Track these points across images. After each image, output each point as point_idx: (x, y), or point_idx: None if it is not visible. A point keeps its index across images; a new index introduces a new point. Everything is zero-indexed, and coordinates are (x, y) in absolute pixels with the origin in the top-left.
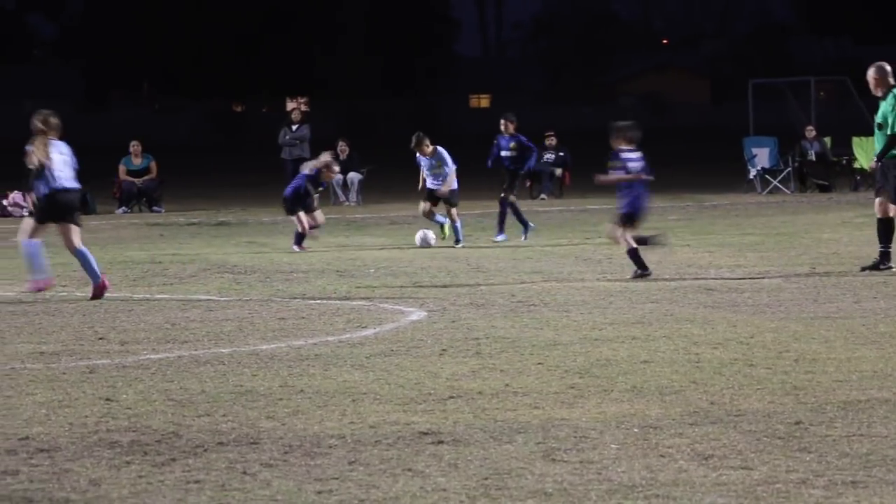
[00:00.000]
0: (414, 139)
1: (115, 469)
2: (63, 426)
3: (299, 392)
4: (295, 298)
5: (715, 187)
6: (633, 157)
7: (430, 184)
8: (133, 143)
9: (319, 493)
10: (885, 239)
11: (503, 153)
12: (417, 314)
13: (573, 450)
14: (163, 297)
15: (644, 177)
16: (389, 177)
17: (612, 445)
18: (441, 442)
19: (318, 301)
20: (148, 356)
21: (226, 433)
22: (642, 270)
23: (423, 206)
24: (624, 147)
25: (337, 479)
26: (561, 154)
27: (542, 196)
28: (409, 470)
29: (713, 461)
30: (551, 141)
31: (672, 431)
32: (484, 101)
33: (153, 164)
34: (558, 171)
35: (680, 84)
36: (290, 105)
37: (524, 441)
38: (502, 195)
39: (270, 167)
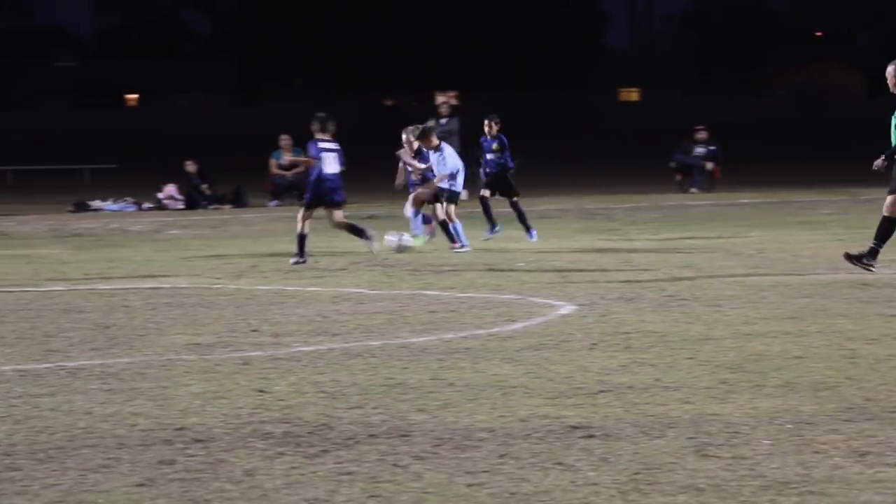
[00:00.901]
0: (420, 131)
1: (268, 460)
2: (217, 417)
3: (449, 385)
4: (445, 291)
5: (869, 181)
6: None
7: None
8: (283, 136)
9: (470, 486)
10: (881, 237)
11: (488, 155)
12: (567, 308)
13: (725, 445)
14: (314, 289)
15: None
16: (538, 171)
17: (765, 441)
18: (591, 436)
19: (468, 294)
20: (300, 348)
21: (377, 425)
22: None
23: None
24: None
25: (487, 472)
26: (712, 148)
27: (693, 189)
28: (560, 464)
29: (869, 458)
30: (702, 135)
31: (826, 428)
32: (633, 95)
33: (302, 158)
34: (709, 165)
35: (834, 77)
36: (440, 98)
37: (675, 436)
38: (511, 198)
39: None
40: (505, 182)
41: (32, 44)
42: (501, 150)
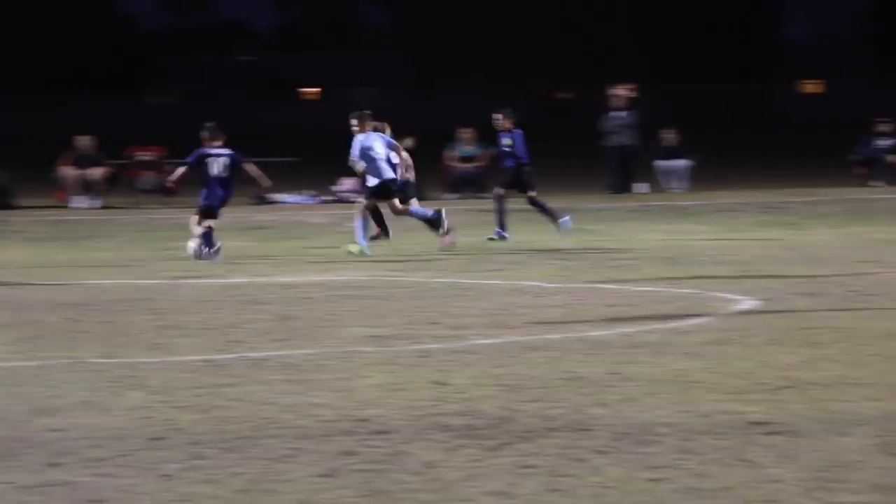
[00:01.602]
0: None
1: (448, 452)
2: (397, 409)
3: (629, 379)
4: (622, 285)
5: None
6: None
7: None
8: (463, 129)
9: (651, 480)
10: None
11: (503, 150)
12: (748, 303)
13: None
14: (492, 282)
15: None
16: (718, 164)
17: None
18: (775, 432)
19: (645, 288)
20: (479, 341)
21: (556, 419)
22: None
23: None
24: None
25: (668, 467)
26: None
27: (877, 183)
28: (742, 460)
29: None
30: (885, 127)
31: None
32: (815, 87)
33: (485, 152)
34: (892, 158)
35: None
36: (616, 91)
37: (862, 433)
38: (527, 194)
39: (595, 154)
40: (520, 178)
41: (214, 39)
42: (513, 145)
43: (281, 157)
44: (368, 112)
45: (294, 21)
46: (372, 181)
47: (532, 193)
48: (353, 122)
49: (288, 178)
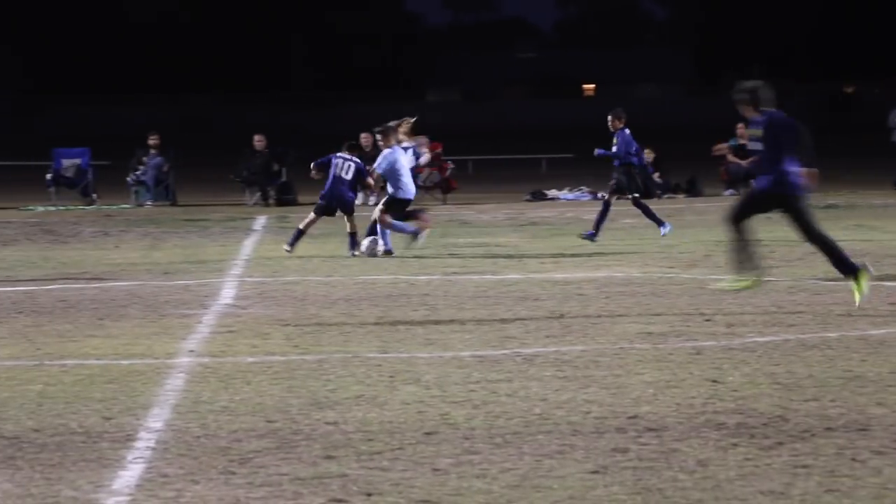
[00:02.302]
0: (382, 129)
1: (721, 451)
2: (670, 406)
3: None
4: None
5: None
6: None
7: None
8: (741, 125)
9: None
10: None
11: (614, 150)
12: None
13: None
14: (769, 279)
15: None
16: None
17: None
18: None
19: None
20: (754, 339)
21: (834, 418)
22: None
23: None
24: None
25: None
26: None
27: None
28: None
29: None
30: None
31: None
32: None
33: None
34: None
35: None
36: None
37: None
38: (633, 196)
39: (881, 150)
40: (629, 180)
41: (496, 36)
42: (623, 144)
43: (557, 154)
44: (393, 125)
45: (574, 17)
46: (400, 194)
47: (635, 196)
48: (379, 137)
49: (564, 174)
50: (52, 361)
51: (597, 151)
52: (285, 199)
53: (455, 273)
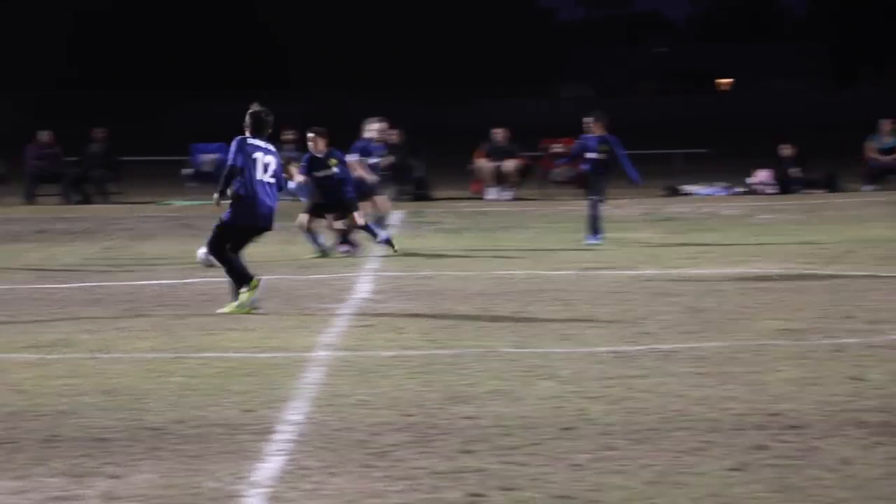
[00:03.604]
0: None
1: (864, 449)
2: (811, 404)
3: None
4: None
5: None
6: None
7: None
8: (884, 121)
9: None
10: None
11: (589, 154)
12: None
13: None
14: None
15: None
16: None
17: None
18: None
19: None
20: None
21: None
22: None
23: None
24: None
25: None
26: None
27: None
28: None
29: None
30: None
31: None
32: None
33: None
34: None
35: None
36: None
37: None
38: (593, 197)
39: None
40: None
41: (629, 30)
42: (611, 151)
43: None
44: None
45: (707, 11)
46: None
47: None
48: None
49: (700, 169)
50: (192, 354)
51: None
52: (420, 194)
53: (590, 268)
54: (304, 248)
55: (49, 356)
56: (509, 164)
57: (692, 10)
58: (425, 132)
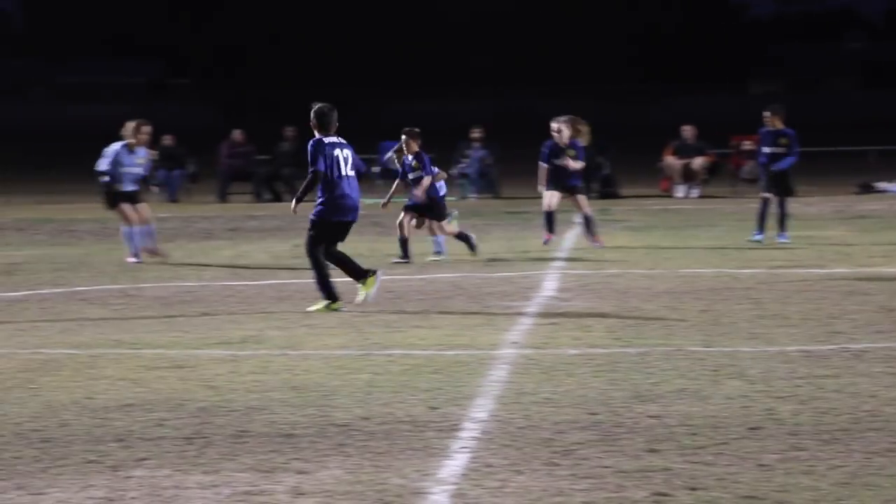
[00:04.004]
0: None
1: None
2: None
3: None
4: None
5: None
6: None
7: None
8: None
9: None
10: None
11: (766, 149)
12: None
13: None
14: None
15: None
16: None
17: None
18: None
19: None
20: None
21: None
22: None
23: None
24: None
25: None
26: None
27: None
28: None
29: None
30: None
31: None
32: None
33: None
34: None
35: None
36: None
37: None
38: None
39: None
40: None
41: (823, 26)
42: (789, 144)
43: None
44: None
45: None
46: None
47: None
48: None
49: (894, 166)
50: (379, 351)
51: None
52: (608, 191)
53: (780, 267)
54: (493, 247)
55: (240, 352)
56: (698, 162)
57: (888, 5)
58: (613, 130)
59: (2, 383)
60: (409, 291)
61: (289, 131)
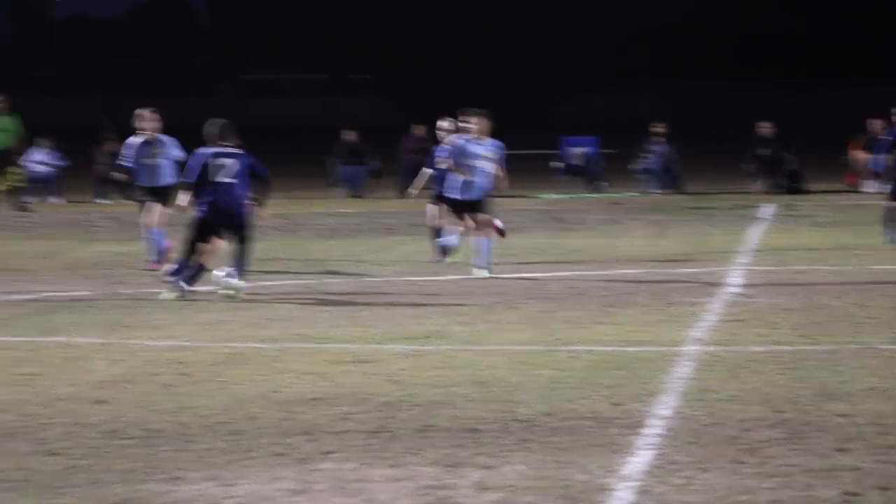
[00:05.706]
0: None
1: None
2: None
3: None
4: None
5: None
6: None
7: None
8: None
9: None
10: None
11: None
12: None
13: None
14: None
15: None
16: None
17: None
18: None
19: None
20: None
21: None
22: None
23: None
24: None
25: None
26: None
27: None
28: None
29: None
30: None
31: None
32: None
33: None
34: None
35: None
36: None
37: None
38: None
39: None
40: None
41: None
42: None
43: None
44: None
45: None
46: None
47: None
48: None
49: None
50: (562, 347)
51: None
52: (794, 187)
53: None
54: (676, 243)
55: (423, 347)
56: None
57: None
58: (799, 122)
59: (192, 376)
60: (591, 287)
61: None
